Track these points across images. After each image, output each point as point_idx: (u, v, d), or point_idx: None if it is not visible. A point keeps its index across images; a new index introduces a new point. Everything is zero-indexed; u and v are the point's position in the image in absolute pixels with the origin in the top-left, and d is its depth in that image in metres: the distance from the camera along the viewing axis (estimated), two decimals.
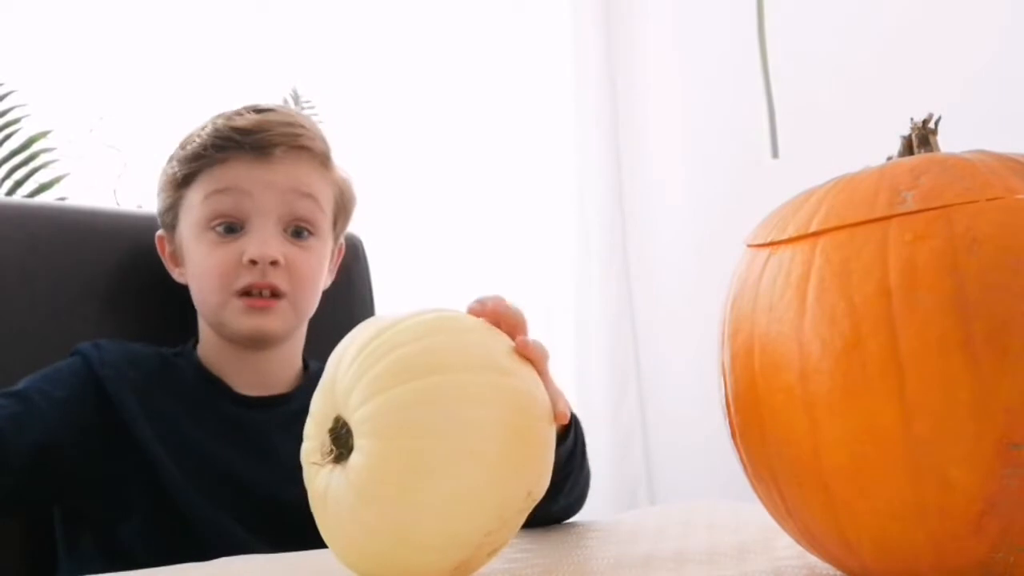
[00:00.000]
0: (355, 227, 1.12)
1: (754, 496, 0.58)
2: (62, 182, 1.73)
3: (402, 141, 2.00)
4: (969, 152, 0.53)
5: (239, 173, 0.95)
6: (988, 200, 0.48)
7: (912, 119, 0.57)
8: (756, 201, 0.77)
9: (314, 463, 0.57)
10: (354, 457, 0.55)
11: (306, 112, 1.82)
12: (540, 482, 0.59)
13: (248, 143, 0.94)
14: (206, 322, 0.99)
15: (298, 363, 1.03)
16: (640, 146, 2.22)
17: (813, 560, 0.63)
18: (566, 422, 0.71)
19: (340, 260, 1.08)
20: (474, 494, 0.55)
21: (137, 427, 0.91)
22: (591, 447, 0.87)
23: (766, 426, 0.53)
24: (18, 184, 1.70)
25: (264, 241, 0.94)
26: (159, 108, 1.78)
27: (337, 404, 0.57)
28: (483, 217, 2.07)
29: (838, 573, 0.58)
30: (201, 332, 1.01)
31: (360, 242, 1.22)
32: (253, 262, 0.93)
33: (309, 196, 0.97)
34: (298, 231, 0.97)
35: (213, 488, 0.91)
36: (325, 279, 1.03)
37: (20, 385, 0.89)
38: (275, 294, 0.95)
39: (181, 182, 0.97)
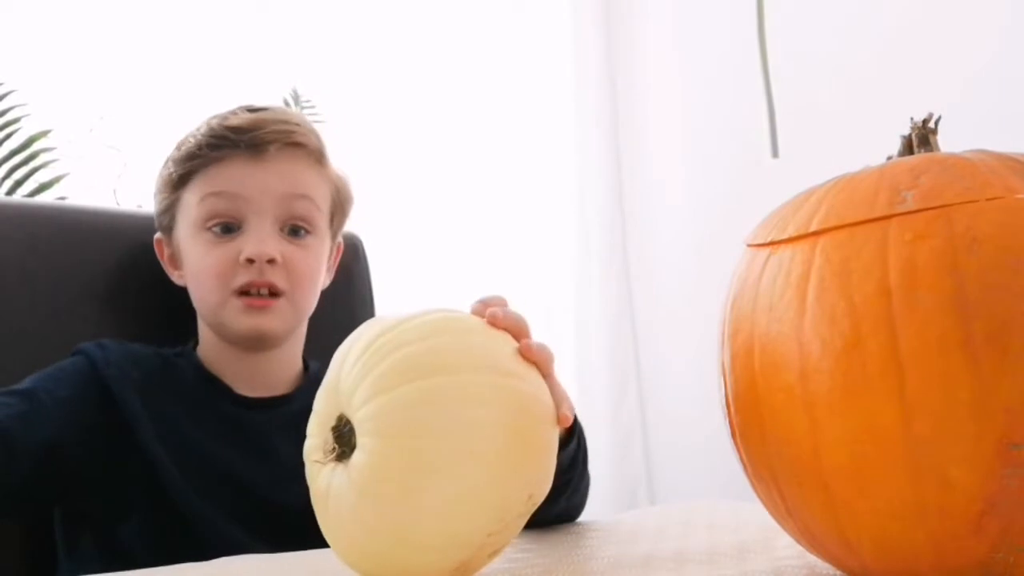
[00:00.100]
0: (355, 226, 1.12)
1: (754, 496, 0.58)
2: (62, 182, 1.73)
3: (402, 141, 2.00)
4: (969, 152, 0.53)
5: (235, 172, 0.95)
6: (988, 200, 0.48)
7: (912, 119, 0.57)
8: (756, 201, 0.77)
9: (316, 461, 0.57)
10: (356, 456, 0.55)
11: (306, 112, 1.82)
12: (542, 485, 0.59)
13: (243, 141, 0.94)
14: (206, 323, 0.99)
15: (298, 364, 1.03)
16: (640, 146, 2.23)
17: (813, 560, 0.63)
18: (569, 425, 0.70)
19: (338, 259, 1.08)
20: (475, 494, 0.54)
21: (139, 427, 0.91)
22: (591, 447, 0.87)
23: (766, 426, 0.53)
24: (18, 184, 1.70)
25: (261, 240, 0.94)
26: (159, 108, 1.78)
27: (340, 402, 0.57)
28: (483, 217, 2.08)
29: (838, 573, 0.58)
30: (201, 333, 1.00)
31: (360, 242, 1.22)
32: (250, 261, 0.93)
33: (305, 195, 0.97)
34: (295, 229, 0.97)
35: (213, 489, 0.91)
36: (324, 278, 1.03)
37: (25, 384, 0.89)
38: (273, 293, 0.95)
39: (177, 183, 0.97)
